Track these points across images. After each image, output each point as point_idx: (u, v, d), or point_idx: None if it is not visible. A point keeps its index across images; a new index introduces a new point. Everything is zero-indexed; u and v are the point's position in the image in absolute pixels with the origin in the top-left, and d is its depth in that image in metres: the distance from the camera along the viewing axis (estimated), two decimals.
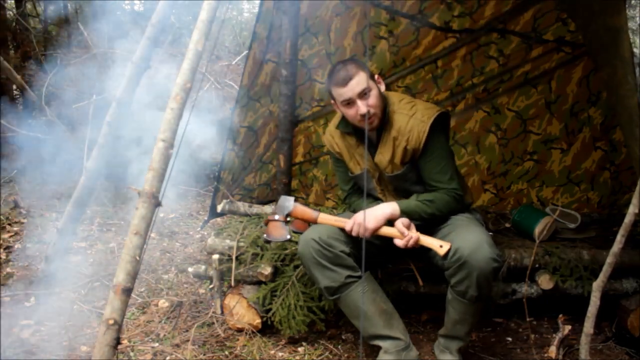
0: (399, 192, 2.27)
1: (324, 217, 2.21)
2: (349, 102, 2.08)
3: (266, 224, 2.28)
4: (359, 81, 2.03)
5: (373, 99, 2.07)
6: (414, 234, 2.07)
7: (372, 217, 2.10)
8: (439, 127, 2.15)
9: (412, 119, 2.10)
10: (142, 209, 1.56)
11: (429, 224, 2.16)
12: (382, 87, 2.17)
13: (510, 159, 3.29)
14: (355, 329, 2.45)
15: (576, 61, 3.05)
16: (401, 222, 2.11)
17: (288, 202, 2.28)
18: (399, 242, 2.09)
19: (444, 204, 2.15)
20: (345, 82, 2.05)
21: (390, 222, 2.15)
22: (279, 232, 2.25)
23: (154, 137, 1.60)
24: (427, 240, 2.06)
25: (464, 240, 1.95)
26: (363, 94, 2.05)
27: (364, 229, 2.08)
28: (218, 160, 3.64)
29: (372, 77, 2.14)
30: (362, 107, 2.05)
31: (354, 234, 2.11)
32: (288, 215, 2.26)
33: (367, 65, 3.04)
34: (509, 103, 3.20)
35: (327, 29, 2.91)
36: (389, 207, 2.13)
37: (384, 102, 2.14)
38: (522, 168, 3.31)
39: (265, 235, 2.28)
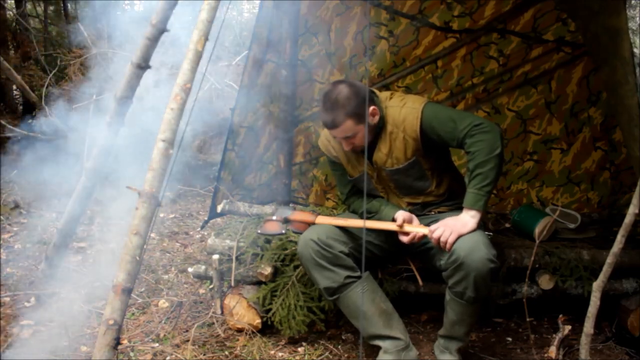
0: (401, 189, 2.25)
1: (322, 218, 2.25)
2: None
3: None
4: (344, 130, 2.07)
5: (359, 139, 2.10)
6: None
7: (461, 224, 1.99)
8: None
9: (404, 108, 2.11)
10: (142, 209, 1.57)
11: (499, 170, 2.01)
12: (376, 118, 2.12)
13: (510, 159, 3.29)
14: (355, 329, 2.45)
15: (576, 61, 3.05)
16: (402, 217, 2.11)
17: (287, 209, 2.35)
18: (404, 238, 2.10)
19: (487, 141, 1.96)
20: (330, 127, 2.09)
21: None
22: (274, 227, 2.30)
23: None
24: (423, 231, 2.08)
25: (460, 242, 1.95)
26: (348, 137, 2.09)
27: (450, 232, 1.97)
28: (218, 160, 3.64)
29: (360, 116, 2.03)
30: (346, 146, 2.13)
31: (442, 239, 1.98)
32: (286, 219, 2.31)
33: (367, 65, 3.04)
34: (509, 103, 3.20)
35: (327, 29, 2.91)
36: (475, 218, 1.99)
37: (374, 129, 2.14)
38: (522, 168, 3.31)
39: (259, 230, 2.33)
